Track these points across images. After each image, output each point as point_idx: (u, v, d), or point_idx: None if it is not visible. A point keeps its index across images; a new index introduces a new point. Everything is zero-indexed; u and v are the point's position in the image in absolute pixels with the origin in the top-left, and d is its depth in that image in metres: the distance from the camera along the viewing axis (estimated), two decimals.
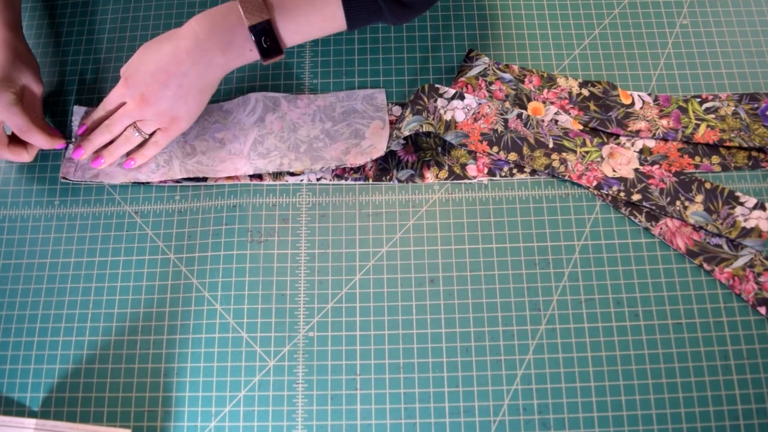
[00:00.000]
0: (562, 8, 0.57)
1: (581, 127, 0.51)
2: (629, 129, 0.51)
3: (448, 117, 0.51)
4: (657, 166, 0.49)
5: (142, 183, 0.52)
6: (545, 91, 0.53)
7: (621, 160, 0.49)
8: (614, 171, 0.49)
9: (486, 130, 0.51)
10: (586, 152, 0.50)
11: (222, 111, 0.54)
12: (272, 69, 0.56)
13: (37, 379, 0.48)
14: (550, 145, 0.50)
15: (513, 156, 0.50)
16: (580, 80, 0.53)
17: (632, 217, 0.49)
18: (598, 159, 0.50)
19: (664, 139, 0.51)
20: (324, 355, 0.47)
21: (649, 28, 0.56)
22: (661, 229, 0.49)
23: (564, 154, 0.50)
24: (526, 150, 0.50)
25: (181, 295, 0.49)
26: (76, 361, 0.48)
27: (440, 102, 0.51)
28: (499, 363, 0.46)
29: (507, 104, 0.51)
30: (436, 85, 0.52)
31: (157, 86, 0.46)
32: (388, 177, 0.51)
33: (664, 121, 0.52)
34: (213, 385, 0.47)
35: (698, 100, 0.52)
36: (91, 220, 0.52)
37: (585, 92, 0.53)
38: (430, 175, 0.51)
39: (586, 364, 0.46)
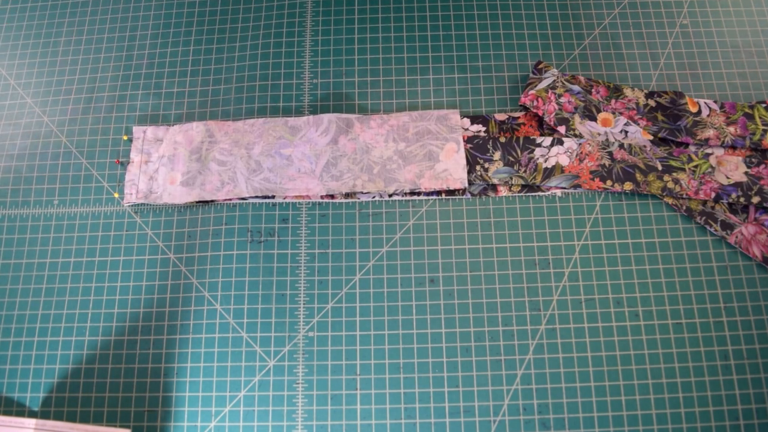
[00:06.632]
0: (562, 8, 0.57)
1: (651, 137, 0.51)
2: (698, 138, 0.51)
3: (550, 164, 0.50)
4: (763, 166, 0.49)
5: (207, 201, 0.52)
6: (612, 101, 0.53)
7: (729, 167, 0.49)
8: (728, 178, 0.49)
9: (594, 167, 0.50)
10: (695, 167, 0.49)
11: (287, 126, 0.53)
12: (272, 69, 0.56)
13: (37, 379, 0.48)
14: (659, 168, 0.50)
15: (629, 185, 0.50)
16: (646, 91, 0.53)
17: (708, 227, 0.49)
18: (709, 170, 0.49)
19: (733, 147, 0.51)
20: (324, 355, 0.47)
21: (649, 28, 0.56)
22: (737, 237, 0.48)
23: (675, 174, 0.50)
24: (639, 176, 0.50)
25: (181, 295, 0.49)
26: (76, 361, 0.48)
27: (538, 151, 0.51)
28: (499, 363, 0.46)
29: (606, 138, 0.51)
30: (531, 137, 0.51)
31: None
32: (460, 191, 0.51)
33: (731, 128, 0.51)
34: (213, 385, 0.47)
35: (764, 105, 0.52)
36: (90, 220, 0.52)
37: (652, 103, 0.52)
38: (503, 189, 0.51)
39: (586, 364, 0.46)
